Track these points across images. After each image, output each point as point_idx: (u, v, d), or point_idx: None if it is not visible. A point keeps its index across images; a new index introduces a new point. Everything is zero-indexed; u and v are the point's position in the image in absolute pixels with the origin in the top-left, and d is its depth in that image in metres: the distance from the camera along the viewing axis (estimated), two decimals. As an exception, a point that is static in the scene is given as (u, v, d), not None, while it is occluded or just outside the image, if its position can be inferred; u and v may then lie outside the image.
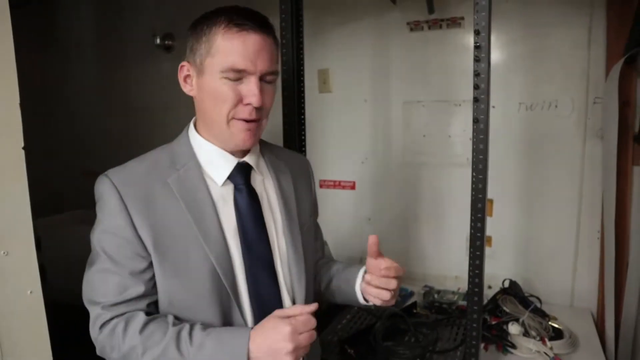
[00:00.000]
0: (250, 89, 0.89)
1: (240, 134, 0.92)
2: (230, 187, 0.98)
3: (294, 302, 1.02)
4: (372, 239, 0.97)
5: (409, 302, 1.70)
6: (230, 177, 0.97)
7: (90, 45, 2.79)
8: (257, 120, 0.92)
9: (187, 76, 0.95)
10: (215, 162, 0.97)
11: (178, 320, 0.92)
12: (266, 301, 0.97)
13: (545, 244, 1.87)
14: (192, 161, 0.96)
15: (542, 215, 1.86)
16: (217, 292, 0.92)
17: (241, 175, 0.98)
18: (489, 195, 1.90)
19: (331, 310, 1.62)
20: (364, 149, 2.08)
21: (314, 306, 0.90)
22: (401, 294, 1.80)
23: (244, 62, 0.88)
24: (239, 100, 0.90)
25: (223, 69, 0.88)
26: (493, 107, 1.86)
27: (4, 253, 0.91)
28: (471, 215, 1.19)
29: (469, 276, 1.20)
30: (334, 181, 2.13)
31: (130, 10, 2.57)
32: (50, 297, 1.05)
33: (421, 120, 1.98)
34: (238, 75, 0.88)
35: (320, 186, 2.14)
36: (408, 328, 1.42)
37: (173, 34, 2.46)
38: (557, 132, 1.81)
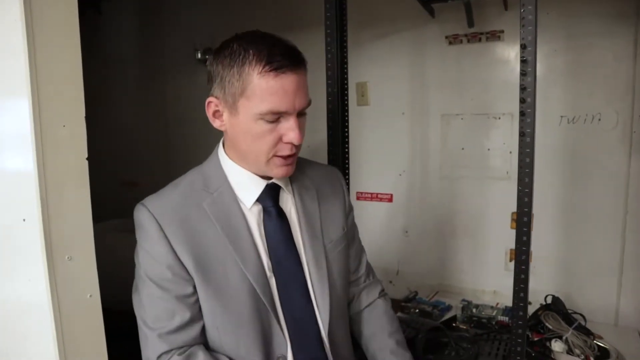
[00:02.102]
0: (290, 127, 0.89)
1: (280, 168, 0.94)
2: (259, 209, 0.99)
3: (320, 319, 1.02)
4: None
5: (448, 315, 1.69)
6: (259, 199, 0.98)
7: (132, 58, 2.90)
8: (296, 153, 0.95)
9: (217, 112, 0.93)
10: (244, 184, 0.98)
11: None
12: (299, 318, 0.99)
13: (588, 260, 1.83)
14: (224, 184, 0.97)
15: (584, 230, 1.82)
16: (257, 311, 0.94)
17: (270, 197, 0.99)
18: (529, 209, 1.90)
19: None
20: (402, 161, 2.09)
21: None
22: (439, 308, 1.79)
23: (284, 105, 0.87)
24: (279, 140, 0.90)
25: (261, 112, 0.86)
26: (533, 120, 1.86)
27: (68, 258, 0.96)
28: (517, 229, 1.19)
29: (514, 290, 1.19)
30: (371, 193, 2.14)
31: (173, 25, 2.67)
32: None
33: (459, 133, 1.98)
34: (277, 117, 0.88)
35: (357, 198, 2.16)
36: (449, 342, 1.41)
37: (214, 49, 2.54)
38: (600, 146, 1.77)
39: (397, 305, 1.83)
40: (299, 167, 1.07)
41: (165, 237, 0.91)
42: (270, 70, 0.85)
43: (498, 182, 1.92)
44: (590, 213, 1.81)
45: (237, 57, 0.87)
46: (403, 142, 2.09)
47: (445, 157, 2.01)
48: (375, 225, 2.13)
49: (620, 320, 1.80)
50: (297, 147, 0.94)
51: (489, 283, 1.96)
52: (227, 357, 0.95)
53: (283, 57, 0.85)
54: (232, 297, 0.94)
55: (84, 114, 1.00)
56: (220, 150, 1.01)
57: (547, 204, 1.84)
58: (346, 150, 1.51)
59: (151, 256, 0.93)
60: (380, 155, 2.13)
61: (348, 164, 1.52)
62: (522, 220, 1.18)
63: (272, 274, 0.98)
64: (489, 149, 1.95)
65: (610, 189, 1.77)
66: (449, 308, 1.81)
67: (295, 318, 0.99)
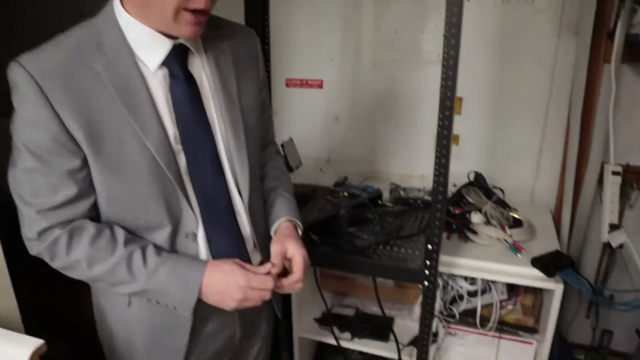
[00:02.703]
0: None
1: (189, 26, 0.82)
2: (165, 73, 0.88)
3: (239, 192, 0.99)
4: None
5: (374, 195, 1.69)
6: (164, 62, 0.87)
7: None
8: (209, 10, 0.83)
9: None
10: (147, 44, 0.85)
11: (127, 232, 0.89)
12: (211, 193, 0.94)
13: (512, 143, 1.87)
14: (122, 43, 0.84)
15: (511, 113, 1.84)
16: (160, 185, 0.87)
17: (177, 59, 0.88)
18: (459, 93, 1.88)
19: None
20: (333, 45, 1.97)
21: (275, 269, 0.95)
22: (367, 191, 1.79)
23: None
24: None
25: None
26: (467, 0, 1.78)
27: None
28: (440, 101, 1.16)
29: (436, 157, 1.19)
30: (301, 80, 2.03)
31: None
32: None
33: (393, 15, 1.87)
34: None
35: (287, 85, 2.05)
36: (373, 217, 1.43)
37: None
38: (532, 28, 1.74)
39: (326, 191, 1.82)
40: (213, 25, 0.95)
41: (48, 101, 0.78)
42: None
43: (430, 66, 1.87)
44: (519, 96, 1.82)
45: None
46: (334, 24, 1.95)
47: (378, 40, 1.92)
48: (305, 112, 2.05)
49: (536, 199, 1.90)
50: (212, 3, 0.82)
51: (418, 168, 1.98)
52: (124, 229, 0.89)
53: None
54: (131, 170, 0.85)
55: None
56: (116, 1, 0.85)
57: (478, 87, 1.83)
58: (266, 35, 1.37)
59: (29, 123, 0.80)
60: (310, 39, 1.99)
61: (269, 50, 1.40)
62: (447, 95, 1.14)
63: (181, 146, 0.90)
64: (422, 32, 1.87)
65: (539, 72, 1.77)
66: (377, 192, 1.82)
67: (207, 193, 0.94)
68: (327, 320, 1.61)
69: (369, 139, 2.02)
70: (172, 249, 0.93)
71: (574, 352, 1.93)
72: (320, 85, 2.01)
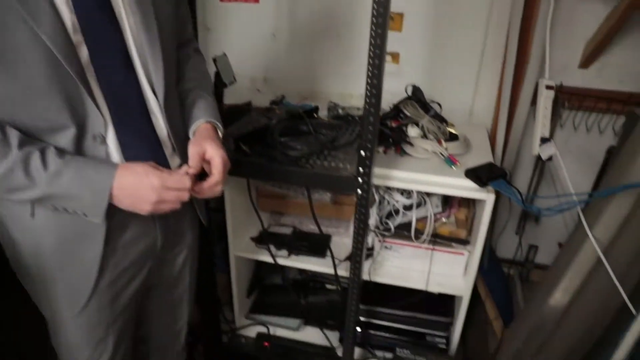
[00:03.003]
0: None
1: None
2: None
3: (153, 91, 0.91)
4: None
5: (310, 108, 1.63)
6: None
7: None
8: None
9: None
10: None
11: (24, 135, 0.79)
12: (120, 91, 0.86)
13: (452, 63, 1.84)
14: None
15: (451, 32, 1.80)
16: (59, 81, 0.78)
17: None
18: (400, 9, 1.82)
19: (226, 113, 1.52)
20: (268, -47, 1.83)
21: (193, 170, 0.90)
22: (305, 109, 1.73)
23: None
24: None
25: None
26: None
27: None
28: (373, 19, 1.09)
29: (367, 75, 1.13)
30: (236, -7, 1.89)
31: None
32: None
33: None
34: None
35: (221, 0, 1.90)
36: (307, 129, 1.37)
37: None
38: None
39: (261, 111, 1.74)
40: None
41: None
42: None
43: (371, -21, 1.78)
44: (458, 13, 1.76)
45: None
46: None
47: (317, -52, 1.79)
48: (240, 29, 1.92)
49: (474, 119, 1.91)
50: None
51: (358, 86, 1.92)
52: (19, 130, 0.79)
53: None
54: (20, 63, 0.74)
55: None
56: None
57: (418, 2, 1.76)
58: None
59: None
60: (245, -55, 1.83)
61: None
62: (379, 10, 1.08)
63: (82, 37, 0.79)
64: (364, -61, 1.75)
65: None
66: (316, 109, 1.76)
67: (115, 91, 0.85)
68: (264, 238, 1.59)
69: (307, 56, 1.92)
70: (79, 153, 0.85)
71: (502, 266, 2.03)
72: (257, 0, 1.88)
